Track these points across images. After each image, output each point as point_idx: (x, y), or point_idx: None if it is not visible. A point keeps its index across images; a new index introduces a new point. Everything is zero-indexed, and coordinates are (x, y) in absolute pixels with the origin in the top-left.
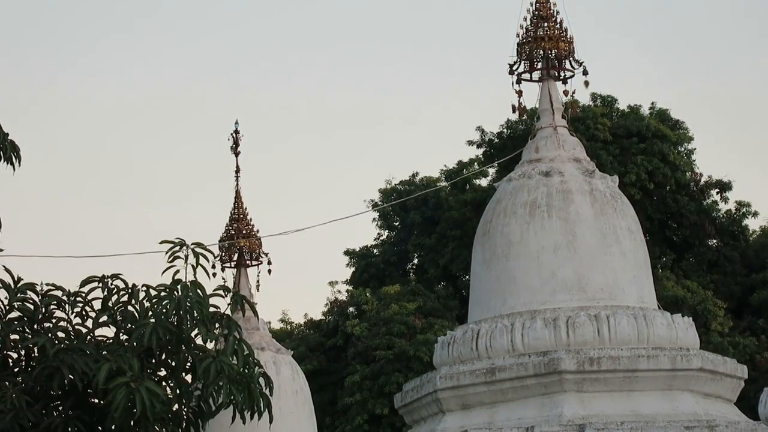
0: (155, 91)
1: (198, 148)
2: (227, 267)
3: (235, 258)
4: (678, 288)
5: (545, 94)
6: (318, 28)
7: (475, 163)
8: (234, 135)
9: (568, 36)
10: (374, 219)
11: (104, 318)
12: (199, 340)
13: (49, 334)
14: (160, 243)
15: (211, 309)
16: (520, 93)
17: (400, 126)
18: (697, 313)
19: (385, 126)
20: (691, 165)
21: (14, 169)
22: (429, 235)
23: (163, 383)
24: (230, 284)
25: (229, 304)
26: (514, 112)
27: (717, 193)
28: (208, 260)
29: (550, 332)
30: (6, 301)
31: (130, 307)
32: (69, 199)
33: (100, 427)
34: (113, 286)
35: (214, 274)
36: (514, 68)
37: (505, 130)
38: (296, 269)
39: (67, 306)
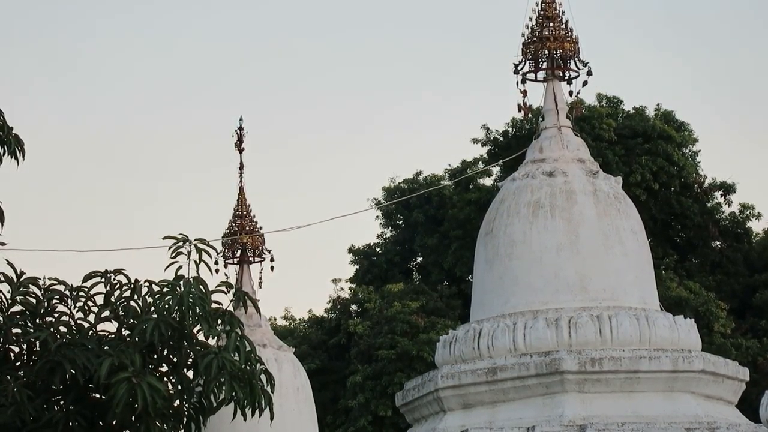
0: (158, 88)
1: (201, 144)
2: (230, 263)
3: (238, 254)
4: (681, 289)
5: (550, 94)
6: (323, 25)
7: (480, 162)
8: (238, 131)
9: (574, 36)
10: (377, 217)
11: (106, 313)
12: (201, 336)
13: (51, 329)
14: (163, 239)
15: (214, 305)
16: (524, 93)
17: (405, 124)
18: (700, 314)
19: (389, 124)
20: (696, 167)
21: (18, 163)
22: (432, 233)
23: (165, 379)
24: (233, 281)
25: (231, 301)
26: (519, 111)
27: (721, 195)
28: (210, 256)
29: (552, 332)
30: (8, 295)
31: (132, 303)
32: (72, 194)
33: (101, 422)
34: (116, 282)
35: (217, 271)
36: (519, 68)
37: (510, 129)
38: (299, 266)
39: (69, 300)
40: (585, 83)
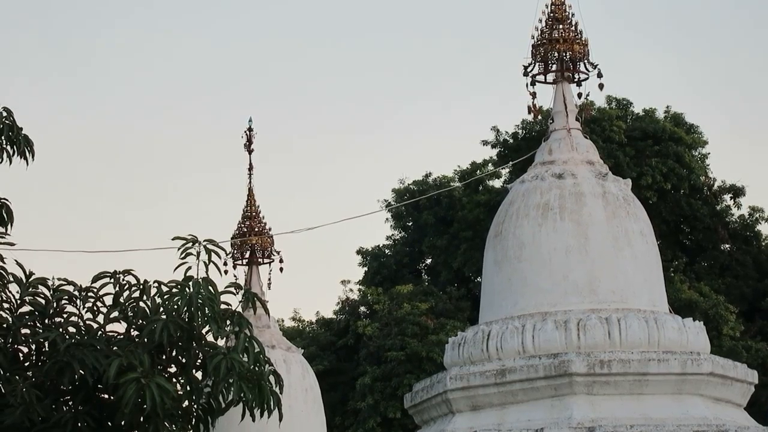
0: (168, 88)
1: (211, 144)
2: (239, 264)
3: (247, 255)
4: (690, 292)
5: (559, 96)
6: (333, 28)
7: (489, 164)
8: (247, 132)
9: (583, 38)
10: (387, 219)
11: (115, 313)
12: (210, 337)
13: (60, 329)
14: (173, 239)
15: (223, 306)
16: (534, 95)
17: (414, 125)
18: (709, 317)
19: (398, 125)
20: (705, 169)
21: (27, 164)
22: (442, 235)
23: (174, 379)
24: (242, 282)
25: (240, 302)
26: (529, 113)
27: (730, 197)
28: (220, 257)
29: (561, 334)
30: (17, 296)
31: (141, 303)
32: (82, 194)
33: (109, 423)
34: (125, 282)
35: (226, 272)
36: (528, 70)
37: (519, 131)
38: (308, 268)
39: (78, 301)
40: (601, 86)
